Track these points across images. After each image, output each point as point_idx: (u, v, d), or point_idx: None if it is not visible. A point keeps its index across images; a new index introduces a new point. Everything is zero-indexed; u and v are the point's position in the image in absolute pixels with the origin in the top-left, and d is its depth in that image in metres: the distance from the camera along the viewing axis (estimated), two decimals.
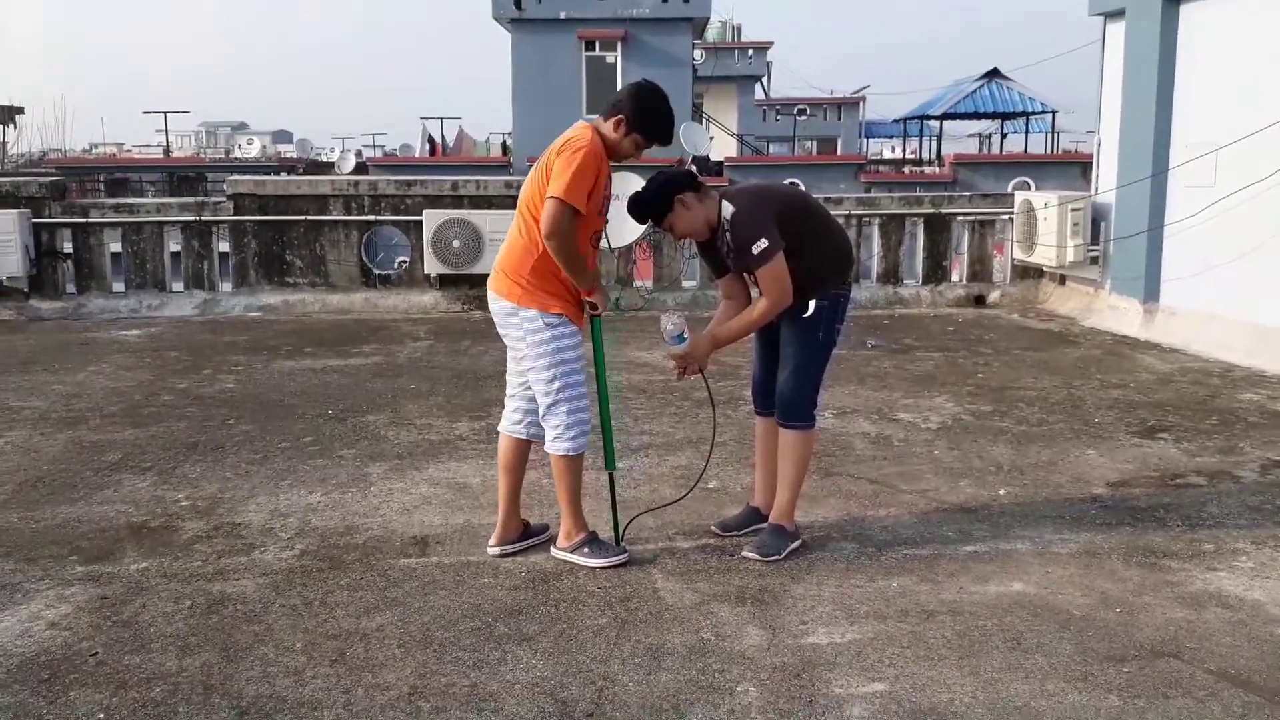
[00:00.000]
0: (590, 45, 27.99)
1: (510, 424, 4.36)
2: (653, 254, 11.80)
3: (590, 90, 27.56)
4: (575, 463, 4.21)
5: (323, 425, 6.49)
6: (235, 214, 11.56)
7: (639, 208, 4.27)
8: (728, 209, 4.24)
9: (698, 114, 32.19)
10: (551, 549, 4.33)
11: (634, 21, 27.75)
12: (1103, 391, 7.37)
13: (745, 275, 4.44)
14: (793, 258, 4.16)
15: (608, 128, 4.13)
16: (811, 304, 4.27)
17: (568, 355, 4.12)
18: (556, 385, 4.11)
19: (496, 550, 4.35)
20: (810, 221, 4.35)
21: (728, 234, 4.27)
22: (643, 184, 4.36)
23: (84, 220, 11.37)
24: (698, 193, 4.25)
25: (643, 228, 8.38)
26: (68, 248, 11.37)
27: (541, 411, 4.19)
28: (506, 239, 4.23)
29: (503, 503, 4.38)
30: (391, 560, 4.33)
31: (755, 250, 4.13)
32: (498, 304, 4.21)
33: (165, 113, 42.44)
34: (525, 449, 4.37)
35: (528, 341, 4.14)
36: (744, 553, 4.33)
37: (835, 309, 4.35)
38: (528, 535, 4.44)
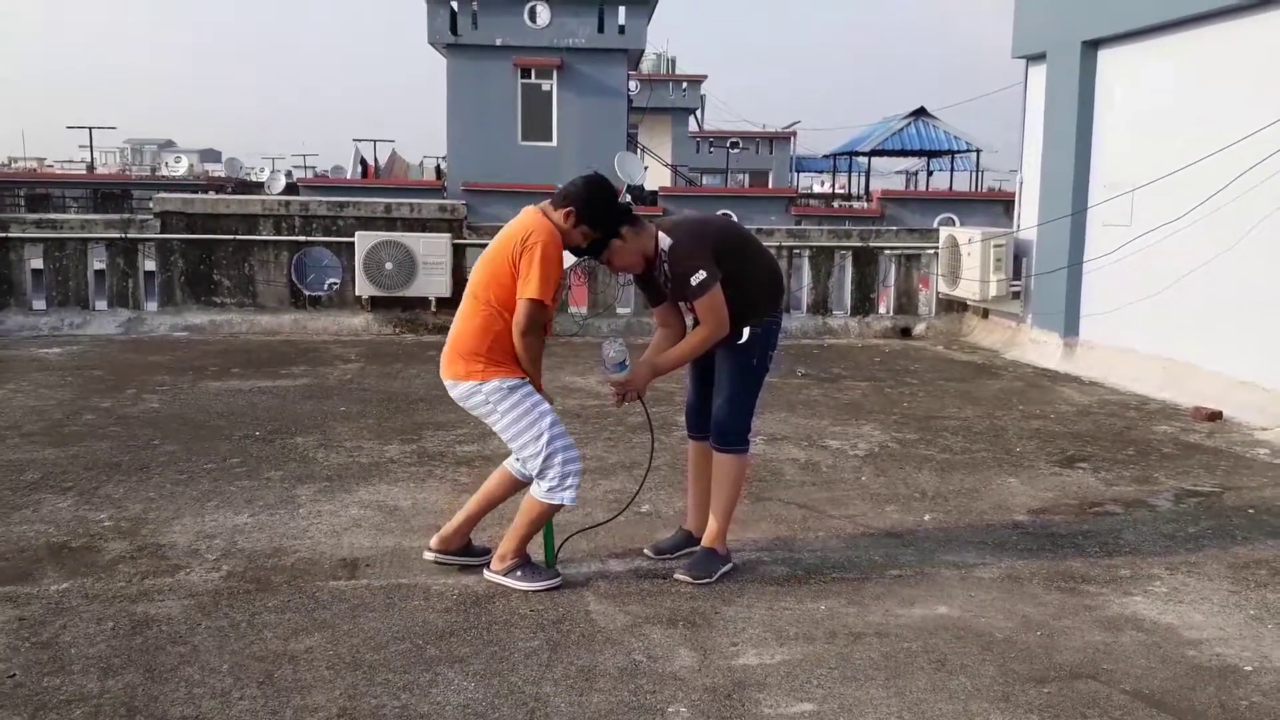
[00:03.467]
0: (526, 73, 28.07)
1: (516, 463, 4.35)
2: (588, 280, 11.85)
3: (525, 117, 27.60)
4: (556, 510, 4.23)
5: (250, 446, 6.40)
6: (162, 232, 11.37)
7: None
8: (665, 241, 4.30)
9: (632, 144, 32.40)
10: (484, 572, 4.33)
11: (570, 51, 27.90)
12: (1024, 422, 7.56)
13: (682, 304, 4.50)
14: (728, 287, 4.24)
15: (557, 217, 4.17)
16: (746, 331, 4.35)
17: (542, 408, 4.14)
18: (544, 439, 4.11)
19: (432, 556, 4.37)
20: (744, 252, 4.44)
21: (666, 265, 4.32)
22: None
23: (3, 235, 11.09)
24: (635, 226, 4.31)
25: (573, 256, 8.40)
26: None
27: (535, 470, 4.16)
28: (456, 322, 4.24)
29: (465, 517, 4.40)
30: (320, 582, 4.29)
31: (694, 281, 4.20)
32: (457, 388, 4.20)
33: (90, 128, 41.65)
34: (517, 488, 4.36)
35: (499, 411, 4.14)
36: (676, 575, 4.36)
37: (768, 336, 4.43)
38: (467, 553, 4.43)
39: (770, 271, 4.56)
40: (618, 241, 4.27)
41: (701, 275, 4.19)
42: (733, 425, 4.41)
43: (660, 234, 4.33)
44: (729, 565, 4.46)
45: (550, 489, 4.15)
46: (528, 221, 4.15)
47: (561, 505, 4.18)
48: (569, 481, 4.15)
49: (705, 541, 4.49)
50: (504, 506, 4.48)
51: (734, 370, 4.40)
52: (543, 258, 4.03)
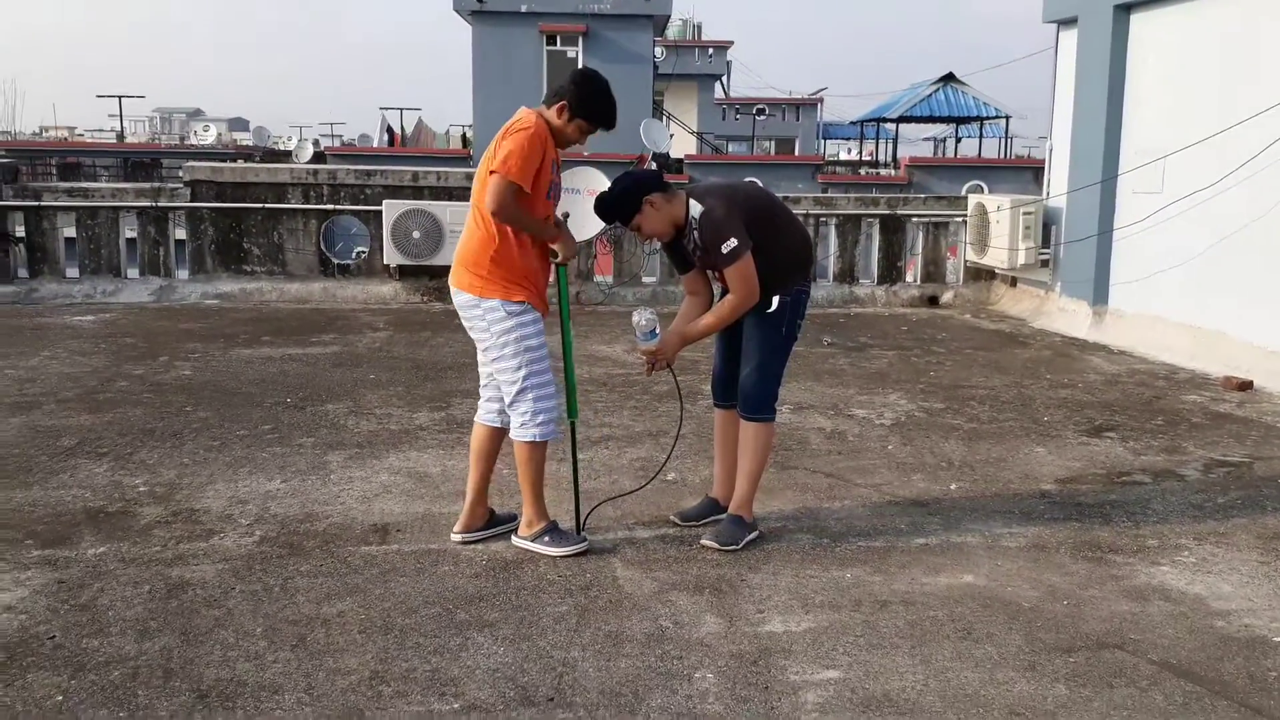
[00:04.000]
0: (551, 39, 27.96)
1: (484, 414, 4.40)
2: (613, 249, 11.84)
3: (551, 84, 27.46)
4: (539, 451, 4.25)
5: (281, 413, 6.47)
6: (192, 200, 11.44)
7: (607, 209, 4.30)
8: (696, 208, 4.30)
9: (658, 111, 32.26)
10: (512, 538, 4.37)
11: (595, 17, 27.76)
12: (1052, 391, 7.53)
13: (710, 272, 4.50)
14: (757, 255, 4.23)
15: (551, 114, 4.17)
16: (775, 300, 4.35)
17: (531, 343, 4.16)
18: (522, 374, 4.15)
19: (459, 538, 4.39)
20: (774, 220, 4.42)
21: (695, 233, 4.32)
22: (607, 181, 4.39)
23: (37, 204, 11.19)
24: (666, 193, 4.30)
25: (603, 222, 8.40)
26: (20, 231, 11.19)
27: (508, 400, 4.22)
28: (464, 231, 4.26)
29: (471, 490, 4.42)
30: (352, 547, 4.35)
31: (725, 249, 4.19)
32: (459, 297, 4.24)
33: (120, 97, 41.83)
34: (499, 437, 4.40)
35: (491, 332, 4.17)
36: (703, 542, 4.39)
37: (797, 305, 4.43)
38: (493, 524, 4.47)
39: (800, 239, 4.54)
40: (649, 208, 4.26)
41: (733, 243, 4.19)
42: (760, 393, 4.42)
43: (691, 201, 4.32)
44: (755, 533, 4.48)
45: (521, 424, 4.20)
46: (515, 116, 4.16)
47: (533, 442, 4.20)
48: (540, 419, 4.18)
49: (732, 509, 4.51)
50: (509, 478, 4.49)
51: (762, 339, 4.40)
52: (515, 140, 4.00)
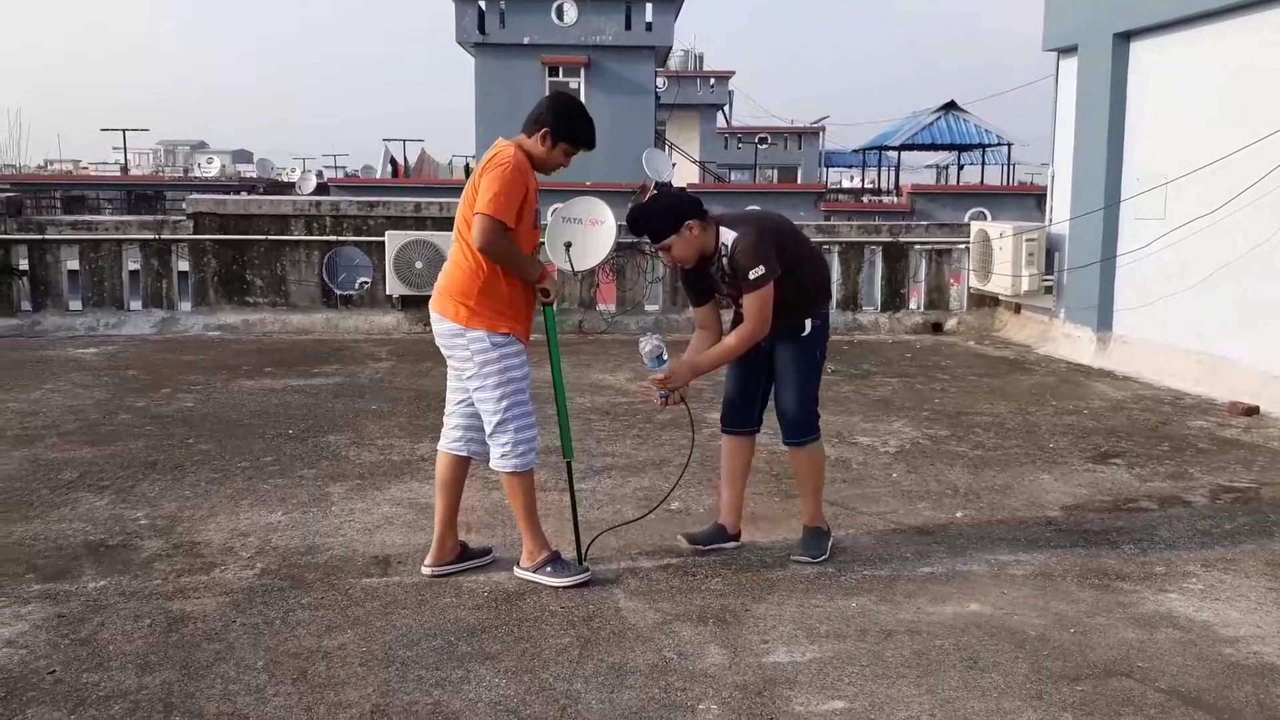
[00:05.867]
0: (554, 71, 28.17)
1: (450, 441, 4.37)
2: (616, 278, 11.85)
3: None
4: (525, 480, 4.23)
5: (283, 445, 6.45)
6: (195, 233, 11.48)
7: (645, 222, 4.33)
8: (728, 235, 4.36)
9: (660, 140, 32.39)
10: (515, 569, 4.34)
11: (597, 48, 27.96)
12: (1057, 418, 7.50)
13: (723, 302, 4.54)
14: (789, 280, 4.32)
15: (533, 143, 4.18)
16: (808, 323, 4.45)
17: (515, 374, 4.16)
18: (504, 405, 4.14)
19: (430, 571, 4.35)
20: (801, 247, 4.57)
21: (725, 259, 4.36)
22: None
23: (40, 237, 11.24)
24: (704, 221, 4.34)
25: (607, 251, 8.43)
26: (23, 264, 11.23)
27: (489, 430, 4.20)
28: (448, 260, 4.28)
29: (439, 522, 4.39)
30: (353, 579, 4.32)
31: (753, 275, 4.25)
32: (442, 325, 4.23)
33: (124, 130, 42.13)
34: (464, 466, 4.39)
35: (475, 361, 4.17)
36: (792, 559, 4.53)
37: (825, 328, 4.59)
38: (465, 557, 4.43)
39: (822, 266, 4.76)
40: (687, 232, 4.30)
41: (760, 270, 4.26)
42: (804, 416, 4.54)
43: (722, 229, 4.38)
44: (831, 537, 4.67)
45: (502, 455, 4.18)
46: (493, 149, 4.17)
47: (516, 473, 4.18)
48: (520, 449, 4.17)
49: (808, 522, 4.68)
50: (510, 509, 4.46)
51: (799, 362, 4.51)
52: (498, 176, 4.01)
